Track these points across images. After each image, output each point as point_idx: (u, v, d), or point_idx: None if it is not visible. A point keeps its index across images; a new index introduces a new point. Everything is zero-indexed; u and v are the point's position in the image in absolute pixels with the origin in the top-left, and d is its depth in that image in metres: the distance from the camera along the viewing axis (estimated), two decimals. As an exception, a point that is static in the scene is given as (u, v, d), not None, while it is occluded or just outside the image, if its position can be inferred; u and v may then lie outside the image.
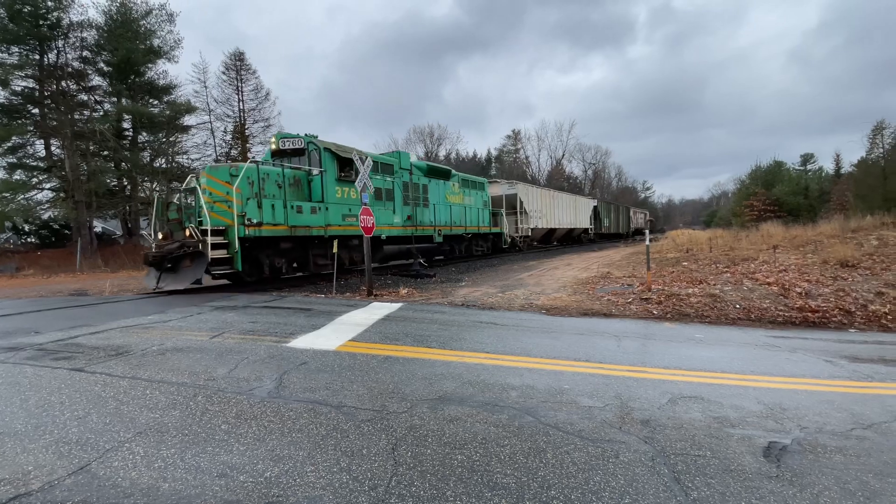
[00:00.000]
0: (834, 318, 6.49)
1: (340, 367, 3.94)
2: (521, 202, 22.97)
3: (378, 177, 12.77)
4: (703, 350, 4.91)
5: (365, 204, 9.13)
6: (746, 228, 27.49)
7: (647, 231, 10.14)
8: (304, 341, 4.82)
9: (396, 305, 7.32)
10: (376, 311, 6.77)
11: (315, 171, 11.05)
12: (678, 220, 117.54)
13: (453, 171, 17.78)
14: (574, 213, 31.00)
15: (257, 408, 3.00)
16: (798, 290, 7.62)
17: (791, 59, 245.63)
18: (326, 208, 11.02)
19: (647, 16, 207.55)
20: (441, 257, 18.20)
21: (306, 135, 11.32)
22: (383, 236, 12.97)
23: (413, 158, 15.91)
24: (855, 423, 2.91)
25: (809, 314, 6.60)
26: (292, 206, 10.13)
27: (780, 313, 6.68)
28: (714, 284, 8.38)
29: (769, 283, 8.15)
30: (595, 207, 35.70)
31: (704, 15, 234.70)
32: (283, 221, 9.90)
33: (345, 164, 11.55)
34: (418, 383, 3.53)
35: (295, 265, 11.23)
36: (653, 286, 8.37)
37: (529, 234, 24.06)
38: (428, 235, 15.38)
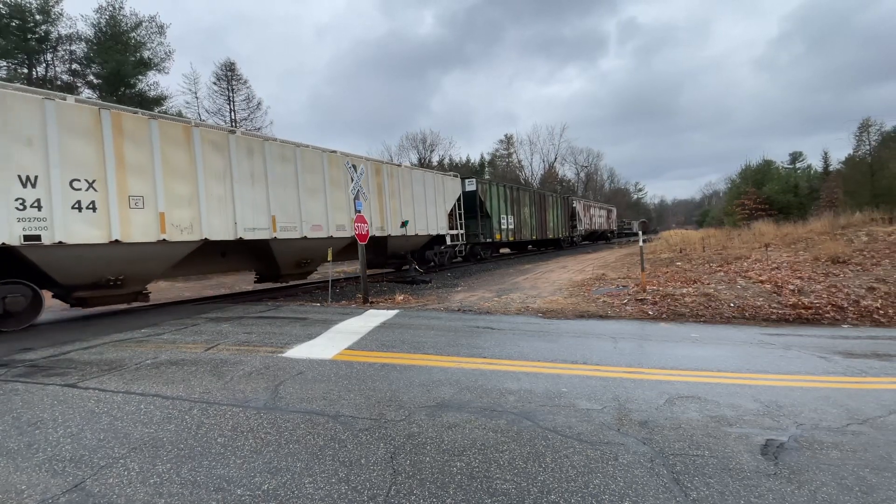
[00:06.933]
0: (827, 315, 6.55)
1: (337, 376, 3.91)
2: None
3: None
4: (699, 349, 4.93)
5: (359, 211, 9.17)
6: (738, 227, 27.80)
7: (640, 232, 10.20)
8: (299, 351, 4.79)
9: (392, 312, 7.30)
10: (372, 318, 6.74)
11: None
12: (671, 220, 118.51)
13: None
14: (377, 204, 13.08)
15: (254, 420, 2.97)
16: (791, 287, 7.69)
17: (758, 66, 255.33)
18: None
19: (615, 31, 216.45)
20: None
21: None
22: None
23: None
24: (850, 418, 2.94)
25: (803, 311, 6.65)
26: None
27: (774, 311, 6.73)
28: (708, 284, 8.43)
29: (762, 281, 8.22)
30: (473, 194, 18.93)
31: (670, 29, 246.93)
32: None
33: None
34: (416, 390, 3.52)
35: None
36: (648, 287, 8.42)
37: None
38: None
